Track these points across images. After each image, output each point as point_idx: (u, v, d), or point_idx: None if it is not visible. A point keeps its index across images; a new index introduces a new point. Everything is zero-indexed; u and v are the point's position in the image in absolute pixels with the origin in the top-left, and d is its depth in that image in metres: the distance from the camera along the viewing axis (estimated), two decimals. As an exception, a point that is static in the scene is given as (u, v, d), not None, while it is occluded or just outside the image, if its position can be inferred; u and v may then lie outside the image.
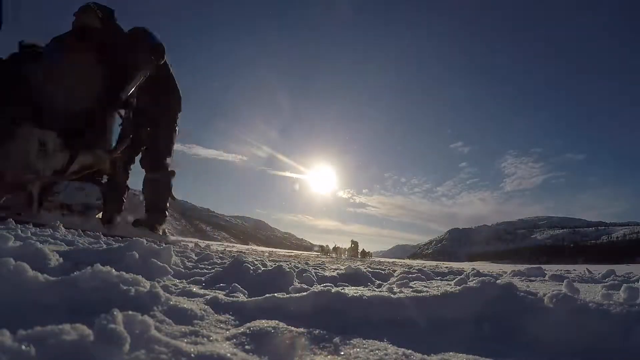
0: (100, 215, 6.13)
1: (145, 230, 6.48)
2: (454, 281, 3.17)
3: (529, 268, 5.56)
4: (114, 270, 1.54)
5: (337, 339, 1.40)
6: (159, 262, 2.58)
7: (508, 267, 10.85)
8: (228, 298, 1.88)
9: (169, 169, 7.00)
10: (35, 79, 4.13)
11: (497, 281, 1.96)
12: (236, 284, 2.33)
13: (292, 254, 15.63)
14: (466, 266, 13.21)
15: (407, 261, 20.75)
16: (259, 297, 1.82)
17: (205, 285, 2.55)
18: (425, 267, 7.85)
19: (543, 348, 1.55)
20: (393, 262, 14.77)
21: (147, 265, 2.51)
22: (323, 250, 23.62)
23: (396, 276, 4.15)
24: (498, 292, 1.86)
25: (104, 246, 3.31)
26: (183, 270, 3.17)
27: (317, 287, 2.05)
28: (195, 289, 2.13)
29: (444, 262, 23.69)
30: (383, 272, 4.72)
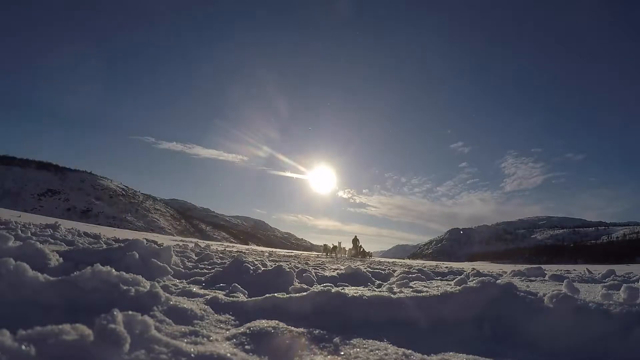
0: None
1: None
2: (454, 281, 3.17)
3: (529, 268, 5.56)
4: (114, 270, 1.54)
5: (337, 339, 1.40)
6: (159, 262, 2.58)
7: (508, 267, 10.86)
8: (228, 298, 1.88)
9: None
10: None
11: (497, 281, 1.96)
12: (236, 284, 2.33)
13: (292, 254, 15.64)
14: (466, 266, 13.21)
15: (407, 261, 20.72)
16: (259, 297, 1.82)
17: (205, 285, 2.55)
18: (425, 267, 7.85)
19: (543, 348, 1.55)
20: (393, 262, 14.78)
21: (147, 265, 2.51)
22: (327, 249, 22.94)
23: (396, 276, 4.15)
24: (498, 292, 1.86)
25: (104, 246, 3.31)
26: (183, 270, 3.17)
27: (317, 287, 2.05)
28: (195, 289, 2.13)
29: (444, 262, 23.62)
30: (383, 272, 4.72)
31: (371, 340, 1.40)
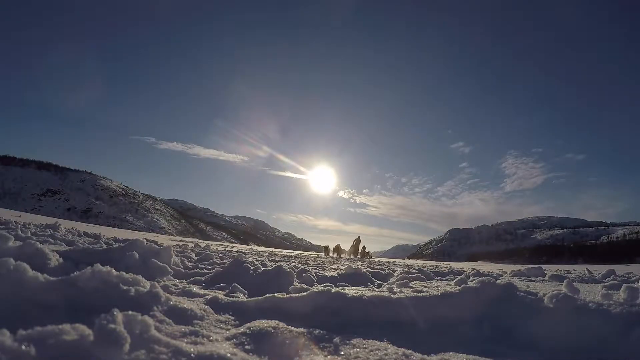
0: None
1: None
2: (454, 281, 3.17)
3: (529, 268, 5.56)
4: (114, 270, 1.54)
5: (337, 339, 1.40)
6: (159, 262, 2.58)
7: (508, 267, 10.86)
8: (228, 298, 1.88)
9: None
10: None
11: (497, 281, 1.96)
12: (236, 284, 2.33)
13: (292, 254, 15.63)
14: (466, 266, 13.21)
15: (407, 261, 20.64)
16: (259, 297, 1.82)
17: (205, 285, 2.55)
18: (425, 267, 7.85)
19: (543, 348, 1.55)
20: (393, 262, 14.77)
21: (147, 265, 2.51)
22: (328, 251, 22.19)
23: (396, 276, 4.15)
24: (498, 292, 1.86)
25: (104, 246, 3.31)
26: (183, 270, 3.17)
27: (317, 287, 2.05)
28: (195, 289, 2.13)
29: (444, 262, 23.56)
30: (383, 272, 4.72)
31: (371, 340, 1.40)
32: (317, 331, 1.45)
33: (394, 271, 5.21)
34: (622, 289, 1.87)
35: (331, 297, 1.80)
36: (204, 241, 22.40)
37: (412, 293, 2.01)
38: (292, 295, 1.84)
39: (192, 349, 1.01)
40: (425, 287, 2.77)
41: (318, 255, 19.96)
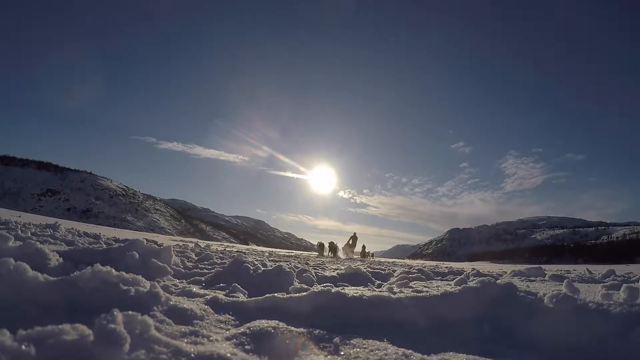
0: None
1: None
2: (454, 281, 3.17)
3: (529, 268, 5.55)
4: (114, 270, 1.54)
5: (337, 339, 1.40)
6: (159, 262, 2.58)
7: (508, 267, 10.86)
8: (228, 298, 1.88)
9: None
10: None
11: (497, 281, 1.96)
12: (236, 284, 2.33)
13: (292, 254, 15.62)
14: (466, 266, 13.20)
15: (407, 261, 20.57)
16: (259, 297, 1.82)
17: (205, 285, 2.55)
18: (425, 267, 7.85)
19: (543, 348, 1.55)
20: (393, 262, 14.77)
21: (147, 265, 2.51)
22: (322, 249, 19.71)
23: (396, 276, 4.15)
24: (498, 292, 1.86)
25: (104, 246, 3.31)
26: (183, 270, 3.17)
27: (317, 287, 2.05)
28: (195, 289, 2.13)
29: (444, 262, 23.51)
30: (383, 272, 4.72)
31: (371, 340, 1.40)
32: (317, 331, 1.45)
33: (394, 271, 5.21)
34: (622, 289, 1.86)
35: (331, 297, 1.80)
36: (204, 241, 22.39)
37: (412, 293, 2.01)
38: (292, 295, 1.84)
39: (192, 349, 1.01)
40: (425, 287, 2.77)
41: (318, 255, 19.20)
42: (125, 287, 1.46)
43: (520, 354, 1.44)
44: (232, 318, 1.58)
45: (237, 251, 9.51)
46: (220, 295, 1.88)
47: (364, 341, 1.39)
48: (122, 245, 2.85)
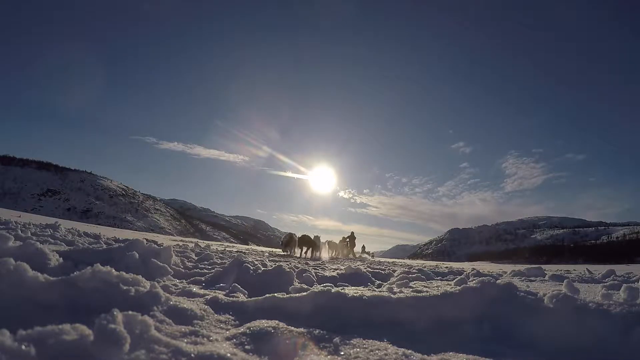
0: None
1: None
2: (454, 281, 3.17)
3: (529, 268, 5.55)
4: (114, 270, 1.54)
5: (337, 339, 1.40)
6: (159, 262, 2.58)
7: (508, 267, 10.86)
8: (228, 298, 1.88)
9: None
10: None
11: (497, 281, 1.96)
12: (236, 284, 2.33)
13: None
14: (466, 266, 13.20)
15: (407, 261, 20.51)
16: (259, 297, 1.82)
17: (205, 285, 2.55)
18: (425, 267, 7.85)
19: (543, 348, 1.55)
20: (393, 262, 14.76)
21: (147, 265, 2.51)
22: (292, 243, 13.45)
23: (396, 276, 4.15)
24: (498, 292, 1.86)
25: (104, 246, 3.31)
26: (183, 270, 3.17)
27: (317, 287, 2.05)
28: (195, 289, 2.13)
29: (444, 262, 23.48)
30: (383, 272, 4.72)
31: (371, 340, 1.40)
32: (317, 331, 1.45)
33: (394, 271, 5.21)
34: (622, 289, 1.86)
35: (331, 297, 1.80)
36: (204, 241, 22.39)
37: (412, 293, 2.01)
38: (292, 295, 1.84)
39: (192, 349, 1.01)
40: (425, 287, 2.77)
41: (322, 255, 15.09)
42: (125, 287, 1.46)
43: (520, 354, 1.44)
44: (232, 318, 1.58)
45: (237, 251, 9.50)
46: (220, 295, 1.88)
47: (363, 341, 1.39)
48: (122, 245, 2.85)
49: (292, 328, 1.41)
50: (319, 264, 6.97)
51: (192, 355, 0.97)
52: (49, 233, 6.04)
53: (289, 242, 13.65)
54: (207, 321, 1.47)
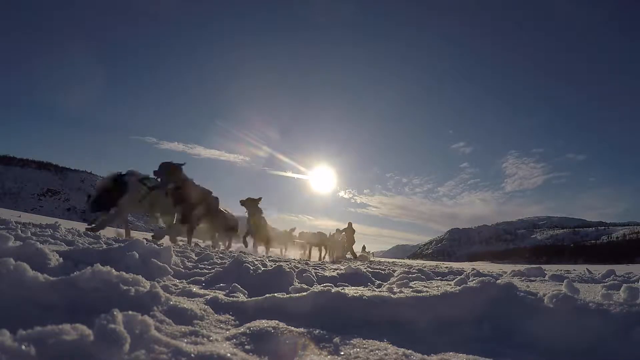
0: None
1: None
2: (454, 281, 3.17)
3: (529, 268, 5.55)
4: (114, 270, 1.54)
5: (337, 339, 1.40)
6: (159, 262, 2.58)
7: (508, 267, 10.87)
8: (228, 298, 1.88)
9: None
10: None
11: (497, 281, 1.96)
12: (236, 284, 2.33)
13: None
14: (466, 266, 13.21)
15: (407, 261, 20.43)
16: (259, 297, 1.82)
17: (205, 285, 2.55)
18: (425, 267, 7.85)
19: (543, 348, 1.55)
20: (393, 262, 14.76)
21: (147, 265, 2.51)
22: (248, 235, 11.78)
23: (396, 276, 4.15)
24: (498, 292, 1.86)
25: (104, 246, 3.31)
26: (183, 270, 3.17)
27: (317, 287, 2.05)
28: (195, 289, 2.13)
29: (444, 262, 23.41)
30: (383, 272, 4.72)
31: (371, 340, 1.40)
32: (317, 331, 1.44)
33: (394, 271, 5.21)
34: (622, 289, 1.86)
35: (331, 297, 1.80)
36: (204, 241, 22.31)
37: (412, 293, 2.01)
38: (292, 295, 1.84)
39: (192, 349, 1.01)
40: (425, 287, 2.77)
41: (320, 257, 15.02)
42: (125, 287, 1.46)
43: (520, 354, 1.44)
44: (232, 318, 1.58)
45: (237, 251, 9.51)
46: (220, 295, 1.88)
47: (364, 341, 1.39)
48: (122, 245, 2.85)
49: (292, 328, 1.41)
50: (319, 264, 6.96)
51: (192, 355, 0.97)
52: (49, 233, 6.03)
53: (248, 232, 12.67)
54: (207, 321, 1.47)
